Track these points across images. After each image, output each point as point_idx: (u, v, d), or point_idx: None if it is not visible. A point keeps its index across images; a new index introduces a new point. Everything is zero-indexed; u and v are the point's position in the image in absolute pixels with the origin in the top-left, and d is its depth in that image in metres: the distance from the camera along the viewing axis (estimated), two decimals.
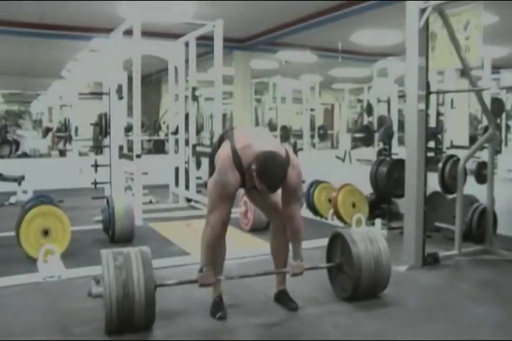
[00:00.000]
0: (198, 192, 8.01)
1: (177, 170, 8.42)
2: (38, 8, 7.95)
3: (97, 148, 9.69)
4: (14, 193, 8.07)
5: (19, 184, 8.10)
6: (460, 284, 4.27)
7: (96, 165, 7.22)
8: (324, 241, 4.05)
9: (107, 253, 3.24)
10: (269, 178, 3.08)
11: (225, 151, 3.27)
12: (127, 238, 5.42)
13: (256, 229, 5.95)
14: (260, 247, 5.05)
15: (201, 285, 3.36)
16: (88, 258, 4.59)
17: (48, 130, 14.07)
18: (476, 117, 11.22)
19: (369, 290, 3.74)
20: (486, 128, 5.93)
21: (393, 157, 6.73)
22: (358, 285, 3.64)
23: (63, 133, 12.20)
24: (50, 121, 15.10)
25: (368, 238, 3.76)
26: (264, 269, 3.80)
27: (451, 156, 5.66)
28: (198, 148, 8.20)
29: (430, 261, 4.70)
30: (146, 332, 3.23)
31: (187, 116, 8.19)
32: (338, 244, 3.85)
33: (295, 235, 3.48)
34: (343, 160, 10.01)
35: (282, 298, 3.67)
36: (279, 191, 3.52)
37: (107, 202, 5.68)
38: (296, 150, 9.67)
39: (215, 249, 3.34)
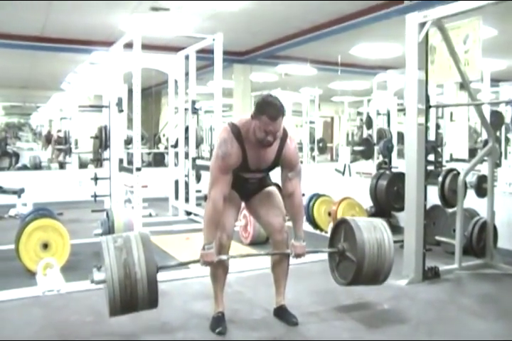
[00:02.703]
0: (198, 205, 7.99)
1: (177, 183, 8.42)
2: (39, 21, 7.98)
3: (97, 161, 9.69)
4: (14, 206, 8.03)
5: (19, 196, 8.06)
6: (461, 298, 4.25)
7: (96, 178, 7.23)
8: (324, 255, 4.03)
9: (107, 237, 3.30)
10: (269, 106, 3.20)
11: (223, 127, 3.40)
12: None
13: (256, 243, 5.93)
14: (260, 261, 5.03)
15: (204, 263, 3.33)
16: (88, 271, 4.49)
17: (48, 136, 14.07)
18: (475, 130, 11.23)
19: (370, 277, 3.66)
20: (485, 142, 5.94)
21: (393, 170, 6.73)
22: (360, 269, 3.57)
23: (63, 146, 12.21)
24: (49, 132, 15.10)
25: (372, 225, 3.73)
26: (263, 282, 3.78)
27: (451, 170, 5.65)
28: (198, 161, 8.21)
29: (430, 275, 4.67)
30: None
31: (187, 129, 8.22)
32: (341, 231, 3.79)
33: (296, 211, 3.50)
34: (343, 173, 10.00)
35: (282, 313, 3.64)
36: (277, 197, 3.55)
37: (107, 215, 5.66)
38: None
39: (217, 226, 3.33)
